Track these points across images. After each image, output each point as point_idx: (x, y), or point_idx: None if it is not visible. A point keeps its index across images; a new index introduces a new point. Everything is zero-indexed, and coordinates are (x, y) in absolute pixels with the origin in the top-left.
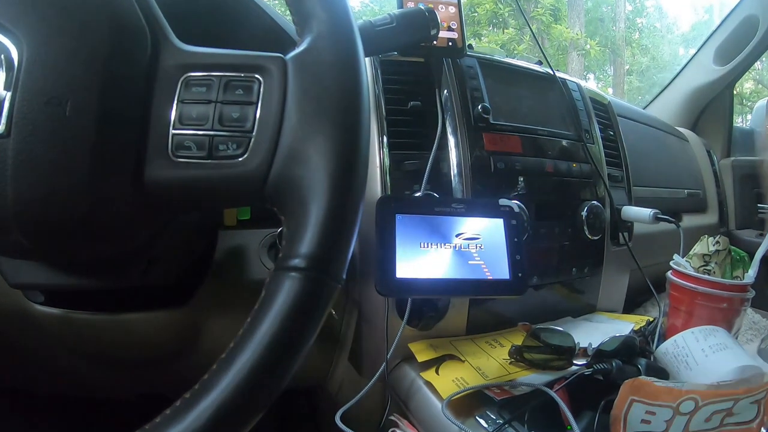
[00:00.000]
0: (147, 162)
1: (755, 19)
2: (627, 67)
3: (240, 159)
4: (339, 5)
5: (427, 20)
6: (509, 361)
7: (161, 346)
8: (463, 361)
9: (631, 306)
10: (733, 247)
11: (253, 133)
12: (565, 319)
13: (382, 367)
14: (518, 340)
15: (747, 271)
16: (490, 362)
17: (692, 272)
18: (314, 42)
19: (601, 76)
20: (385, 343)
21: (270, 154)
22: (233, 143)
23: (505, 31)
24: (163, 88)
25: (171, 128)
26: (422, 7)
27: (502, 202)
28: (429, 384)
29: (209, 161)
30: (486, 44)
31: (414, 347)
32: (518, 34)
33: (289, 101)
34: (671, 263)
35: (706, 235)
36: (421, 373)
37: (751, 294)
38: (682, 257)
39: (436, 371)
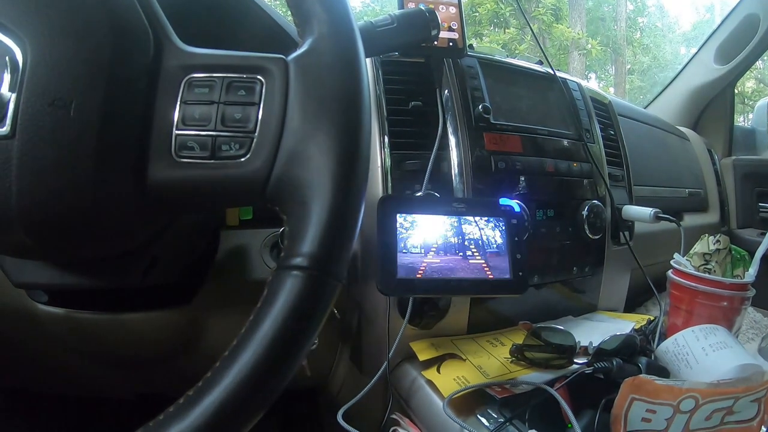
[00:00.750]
0: (150, 162)
1: (756, 18)
2: (628, 66)
3: (242, 159)
4: (339, 6)
5: (427, 21)
6: (510, 359)
7: (164, 346)
8: (464, 360)
9: (632, 305)
10: (733, 246)
11: (256, 134)
12: (566, 318)
13: (383, 366)
14: (519, 339)
15: (747, 270)
16: (491, 361)
17: (693, 271)
18: (315, 43)
19: (603, 76)
20: (386, 342)
21: (272, 155)
22: (236, 144)
23: (507, 30)
24: (166, 89)
25: (174, 129)
26: (423, 8)
27: (503, 201)
28: (430, 382)
29: (212, 161)
30: (487, 44)
31: (415, 346)
32: (519, 33)
33: (290, 102)
34: (672, 262)
35: (707, 234)
36: (422, 372)
37: (752, 293)
38: (683, 256)
39: (438, 370)
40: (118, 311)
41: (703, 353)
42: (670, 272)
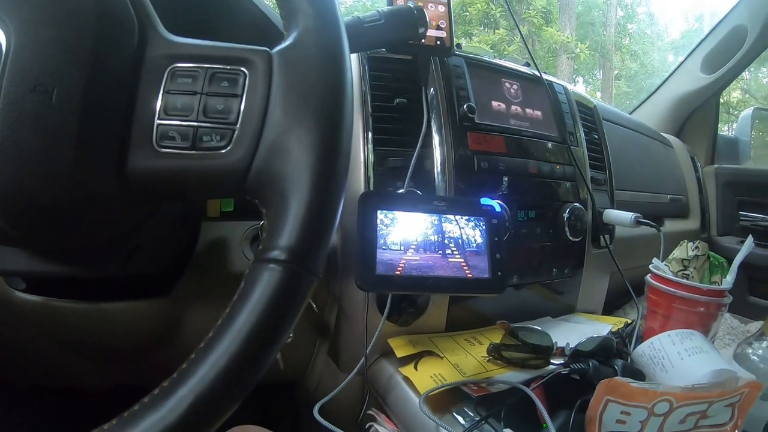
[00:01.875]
0: (131, 151)
1: (743, 29)
2: (616, 71)
3: (223, 151)
4: (326, 0)
5: (415, 18)
6: (487, 358)
7: (142, 336)
8: (442, 358)
9: (610, 308)
10: (711, 253)
11: (237, 126)
12: (544, 319)
13: (361, 362)
14: (497, 338)
15: (725, 277)
16: (468, 359)
17: (671, 276)
18: (300, 37)
19: (590, 80)
20: (364, 337)
21: (253, 147)
22: (217, 135)
23: (496, 31)
24: (149, 78)
25: (156, 118)
26: (411, 5)
27: (484, 201)
28: (407, 379)
29: (193, 152)
30: (476, 44)
31: (393, 342)
32: (509, 34)
33: (273, 95)
34: (650, 267)
35: (686, 240)
36: (399, 369)
37: (729, 299)
38: (662, 261)
39: (415, 367)
40: (98, 300)
41: (679, 357)
42: (648, 276)
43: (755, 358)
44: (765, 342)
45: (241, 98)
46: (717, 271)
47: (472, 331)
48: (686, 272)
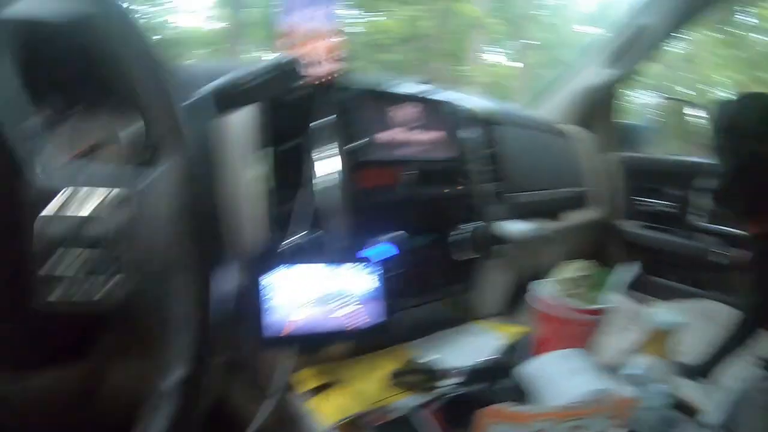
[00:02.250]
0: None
1: (646, 28)
2: (529, 42)
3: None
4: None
5: (287, 74)
6: (389, 383)
7: (62, 405)
8: (346, 387)
9: (510, 311)
10: (596, 271)
11: (113, 272)
12: (445, 333)
13: (271, 396)
14: (399, 360)
15: (605, 295)
16: (371, 385)
17: (553, 299)
18: (164, 173)
19: (505, 51)
20: (274, 371)
21: (130, 289)
22: (96, 282)
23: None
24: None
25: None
26: (282, 61)
27: (377, 245)
28: (314, 411)
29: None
30: (390, 23)
31: (299, 376)
32: (425, 10)
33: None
34: (534, 288)
35: (572, 261)
36: (307, 400)
37: (609, 313)
38: (550, 277)
39: (322, 397)
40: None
41: (561, 378)
42: (532, 298)
43: (636, 372)
44: (644, 359)
45: (114, 244)
46: (599, 288)
47: (377, 353)
48: (572, 291)
